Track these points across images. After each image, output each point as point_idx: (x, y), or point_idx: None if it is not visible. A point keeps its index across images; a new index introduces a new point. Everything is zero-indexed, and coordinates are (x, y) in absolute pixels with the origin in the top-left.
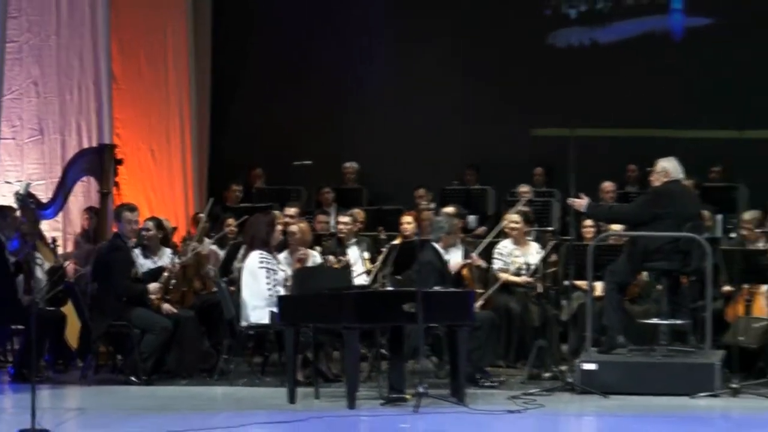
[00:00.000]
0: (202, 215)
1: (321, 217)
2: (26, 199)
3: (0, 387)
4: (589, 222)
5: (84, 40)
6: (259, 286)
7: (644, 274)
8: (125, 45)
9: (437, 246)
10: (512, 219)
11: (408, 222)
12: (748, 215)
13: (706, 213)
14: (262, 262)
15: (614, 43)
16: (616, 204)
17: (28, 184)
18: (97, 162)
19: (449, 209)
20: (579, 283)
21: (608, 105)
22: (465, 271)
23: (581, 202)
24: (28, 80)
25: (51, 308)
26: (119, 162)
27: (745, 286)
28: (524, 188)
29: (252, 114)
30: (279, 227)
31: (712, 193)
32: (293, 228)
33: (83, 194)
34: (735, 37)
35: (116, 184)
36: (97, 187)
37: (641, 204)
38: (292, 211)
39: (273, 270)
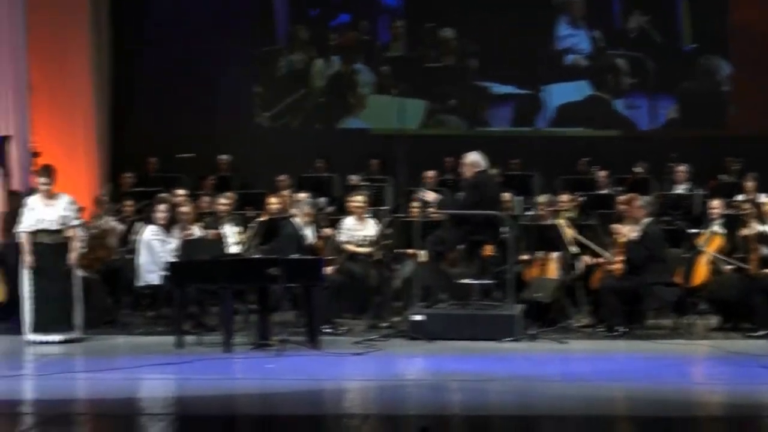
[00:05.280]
0: (104, 197)
1: (203, 199)
2: None
3: None
4: (417, 204)
5: (5, 57)
6: (153, 254)
7: None
8: (39, 58)
9: (297, 221)
10: (356, 200)
11: (273, 202)
12: (542, 198)
13: (507, 195)
14: (154, 235)
15: None
16: (453, 198)
17: None
18: None
19: (308, 195)
20: (408, 251)
21: (416, 110)
22: (319, 242)
23: (431, 197)
24: None
25: None
26: (36, 155)
27: (539, 253)
28: (353, 178)
29: (146, 114)
30: (182, 209)
31: (513, 179)
32: (183, 209)
33: None
34: None
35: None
36: (2, 172)
37: (467, 197)
38: (181, 192)
39: (164, 241)
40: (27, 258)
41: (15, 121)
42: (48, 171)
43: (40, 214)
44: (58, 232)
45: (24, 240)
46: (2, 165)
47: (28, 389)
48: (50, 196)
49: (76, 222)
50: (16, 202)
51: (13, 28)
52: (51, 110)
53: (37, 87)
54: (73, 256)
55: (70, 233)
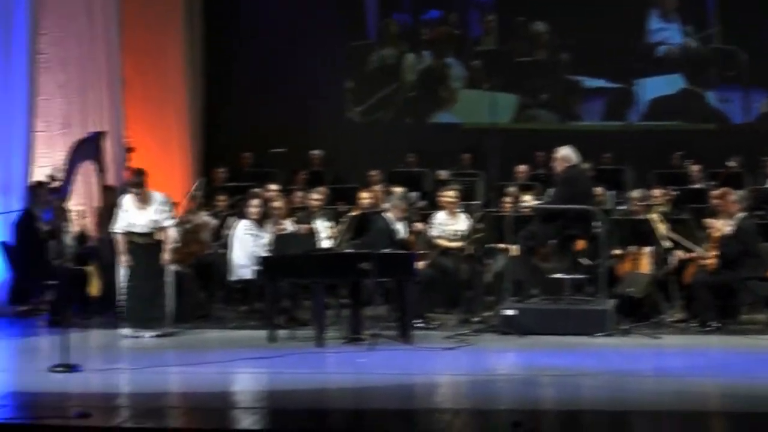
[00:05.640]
0: (198, 192)
1: (295, 194)
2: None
3: (38, 331)
4: (508, 199)
5: (100, 52)
6: (245, 248)
7: None
8: (133, 55)
9: (389, 216)
10: (447, 194)
11: (365, 197)
12: (635, 193)
13: (599, 190)
14: (247, 230)
15: None
16: (550, 197)
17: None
18: (94, 147)
19: (400, 189)
20: (500, 245)
21: (508, 104)
22: (411, 237)
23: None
24: (56, 84)
25: (77, 267)
26: (130, 150)
27: (632, 247)
28: (443, 173)
29: (238, 109)
30: (274, 204)
31: (605, 173)
32: (275, 204)
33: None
34: None
35: (128, 168)
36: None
37: (558, 191)
38: (273, 187)
39: (256, 236)
40: (123, 257)
41: (109, 116)
42: (138, 178)
43: (132, 217)
44: (149, 234)
45: (119, 239)
46: (97, 160)
47: (123, 383)
48: (142, 199)
49: (167, 223)
50: (110, 197)
51: (107, 24)
52: (145, 106)
53: (130, 83)
54: (166, 256)
55: (161, 236)
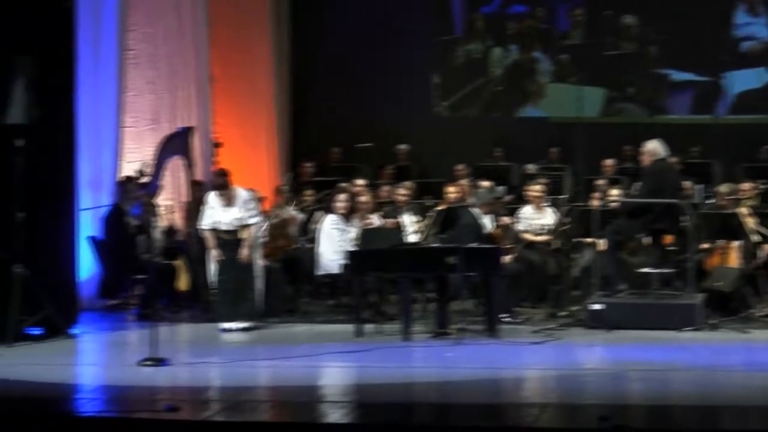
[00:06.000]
0: (285, 187)
1: (382, 188)
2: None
3: (127, 325)
4: (596, 193)
5: (188, 48)
6: (332, 243)
7: None
8: (221, 52)
9: (476, 210)
10: (534, 188)
11: (452, 191)
12: (723, 187)
13: (687, 184)
14: (333, 225)
15: None
16: (637, 191)
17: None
18: (183, 143)
19: (487, 183)
20: (587, 240)
21: (595, 98)
22: (497, 231)
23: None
24: (145, 81)
25: (166, 262)
26: (218, 145)
27: (721, 242)
28: (530, 167)
29: (325, 105)
30: (361, 199)
31: (693, 167)
32: (362, 198)
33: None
34: None
35: (214, 163)
36: (185, 162)
37: (644, 185)
38: (360, 182)
39: (343, 230)
40: (213, 252)
41: (197, 112)
42: (221, 179)
43: (217, 215)
44: (234, 231)
45: (207, 235)
46: (186, 155)
47: (212, 376)
48: (227, 198)
49: (252, 221)
50: (199, 192)
51: (195, 20)
52: (232, 101)
53: (218, 79)
54: (244, 252)
55: (244, 234)
